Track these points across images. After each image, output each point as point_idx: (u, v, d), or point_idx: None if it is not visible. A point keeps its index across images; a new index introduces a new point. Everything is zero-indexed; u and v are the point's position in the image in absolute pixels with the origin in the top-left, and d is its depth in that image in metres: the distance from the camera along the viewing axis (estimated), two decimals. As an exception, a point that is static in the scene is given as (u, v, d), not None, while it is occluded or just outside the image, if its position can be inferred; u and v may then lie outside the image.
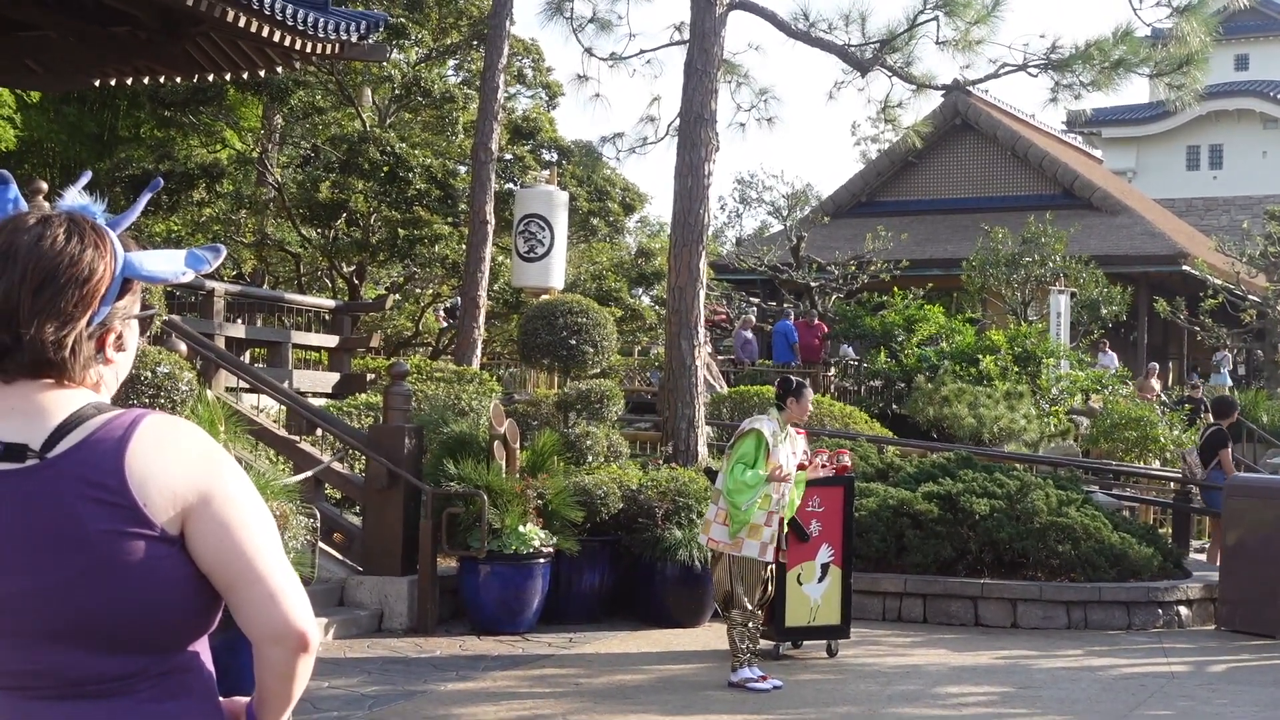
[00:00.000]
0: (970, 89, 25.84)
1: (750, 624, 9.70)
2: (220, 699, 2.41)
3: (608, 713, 8.62)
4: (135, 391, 8.34)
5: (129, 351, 2.40)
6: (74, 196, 2.36)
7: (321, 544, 11.21)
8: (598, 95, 26.34)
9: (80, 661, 2.19)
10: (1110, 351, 31.09)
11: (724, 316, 35.04)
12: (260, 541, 2.28)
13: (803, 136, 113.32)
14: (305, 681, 2.37)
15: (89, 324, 2.27)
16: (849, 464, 11.03)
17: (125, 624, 2.20)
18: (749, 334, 29.10)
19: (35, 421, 2.22)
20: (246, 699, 2.45)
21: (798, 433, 10.21)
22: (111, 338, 2.33)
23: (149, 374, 8.31)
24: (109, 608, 2.18)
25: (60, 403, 2.25)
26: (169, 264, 2.39)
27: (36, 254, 2.23)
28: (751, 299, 36.40)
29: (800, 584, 10.55)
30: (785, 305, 33.05)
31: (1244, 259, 34.41)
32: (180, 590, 2.23)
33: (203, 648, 2.36)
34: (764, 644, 10.71)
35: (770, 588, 10.04)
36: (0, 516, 2.17)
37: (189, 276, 2.45)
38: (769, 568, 9.97)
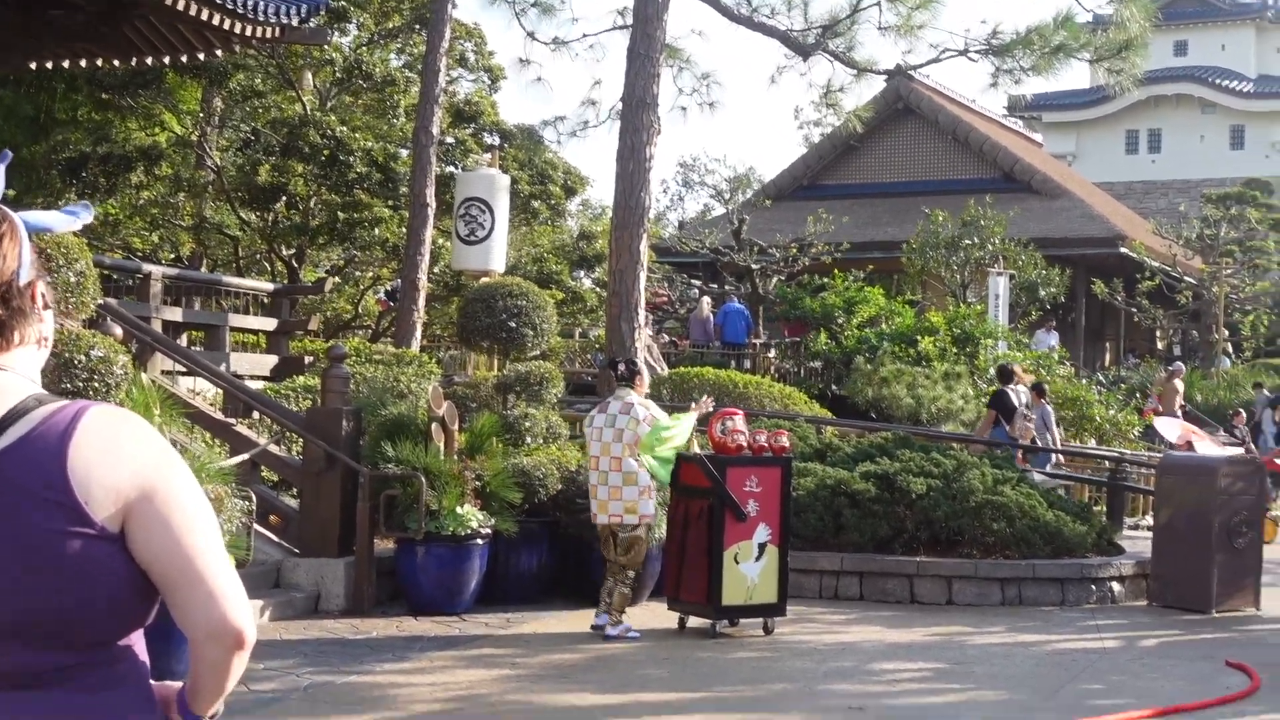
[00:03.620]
0: (912, 74, 25.98)
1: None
2: (152, 683, 2.43)
3: (545, 692, 8.66)
4: (69, 375, 8.29)
5: (51, 310, 2.43)
6: None
7: (258, 526, 11.17)
8: (539, 79, 26.31)
9: (17, 656, 2.19)
10: (1054, 331, 31.33)
11: (665, 299, 35.12)
12: (201, 540, 2.28)
13: (746, 120, 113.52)
14: (239, 675, 2.39)
15: (19, 279, 2.31)
16: (786, 444, 11.12)
17: (65, 621, 2.20)
18: (709, 314, 29.34)
19: None
20: (178, 684, 2.46)
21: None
22: (39, 294, 2.37)
23: (83, 357, 8.26)
24: (49, 606, 2.18)
25: (1, 394, 2.26)
26: (48, 217, 2.45)
27: None
28: (693, 281, 36.49)
29: (737, 563, 10.61)
30: (728, 288, 33.14)
31: (1181, 241, 34.83)
32: (120, 587, 2.24)
33: (137, 639, 2.37)
34: (700, 622, 10.81)
35: None
36: None
37: (73, 225, 2.50)
38: None
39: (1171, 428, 18.53)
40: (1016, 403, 17.14)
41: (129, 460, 2.24)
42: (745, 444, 10.87)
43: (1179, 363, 25.71)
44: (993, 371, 22.58)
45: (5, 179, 2.42)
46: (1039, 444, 17.39)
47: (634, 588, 10.93)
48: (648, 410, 10.67)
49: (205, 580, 2.27)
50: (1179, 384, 23.88)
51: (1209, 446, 18.06)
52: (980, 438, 17.18)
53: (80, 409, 2.26)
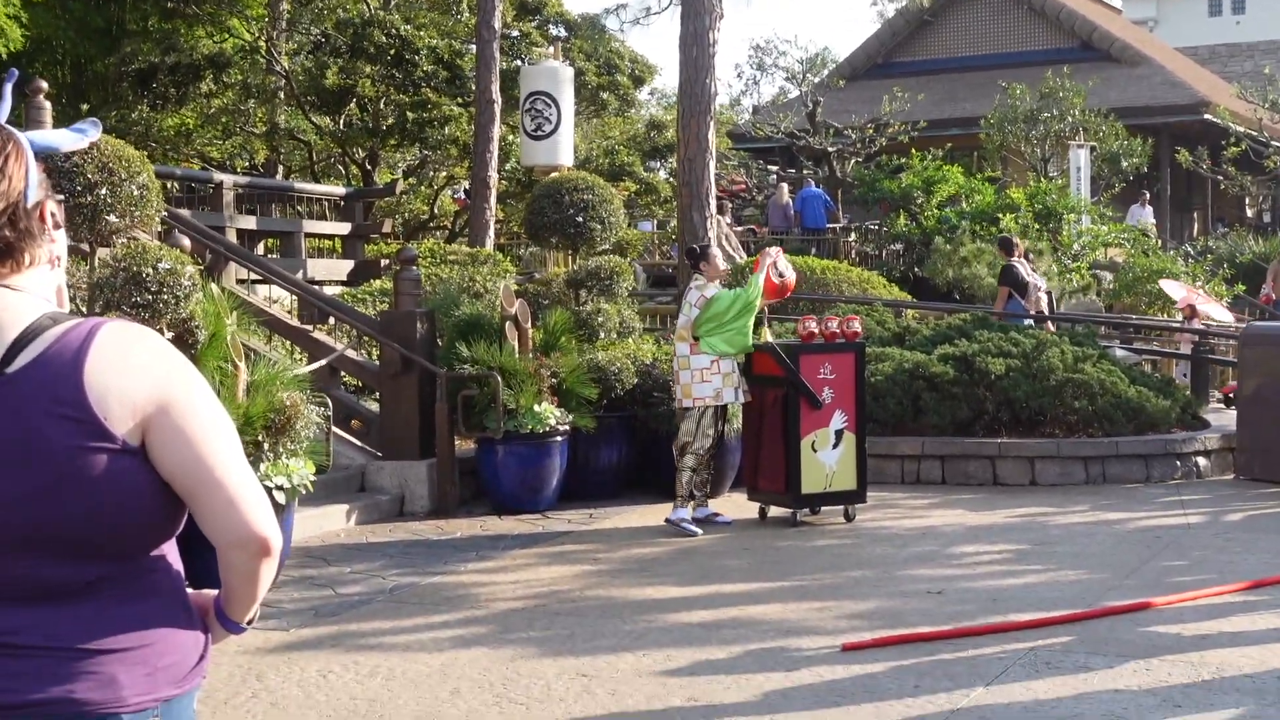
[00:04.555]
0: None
1: (701, 469, 10.74)
2: (189, 591, 2.46)
3: (625, 586, 8.71)
4: (140, 288, 8.35)
5: (63, 229, 2.44)
6: None
7: (340, 431, 11.29)
8: (601, -34, 25.82)
9: (49, 569, 2.23)
10: (1148, 206, 30.72)
11: (742, 186, 34.85)
12: (219, 449, 2.30)
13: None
14: (269, 581, 2.43)
15: (26, 200, 2.30)
16: (859, 329, 11.04)
17: (92, 534, 2.23)
18: (788, 200, 29.12)
19: None
20: (214, 592, 2.49)
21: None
22: (48, 214, 2.36)
23: (150, 270, 8.31)
24: (75, 519, 2.21)
25: (15, 314, 2.26)
26: (55, 136, 2.44)
27: None
28: (770, 167, 36.18)
29: (815, 451, 10.59)
30: (805, 172, 32.83)
31: (1267, 105, 33.95)
32: (144, 499, 2.27)
33: (170, 549, 2.39)
34: (781, 511, 10.82)
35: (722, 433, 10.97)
36: None
37: (81, 143, 2.48)
38: (723, 413, 10.84)
39: (1176, 290, 18.88)
40: (1026, 275, 17.00)
41: (144, 374, 2.25)
42: (815, 330, 10.82)
43: None
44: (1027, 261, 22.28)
45: (12, 97, 2.41)
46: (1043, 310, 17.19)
47: (707, 476, 10.90)
48: (700, 293, 10.65)
49: (225, 489, 2.29)
50: None
51: (1216, 309, 18.20)
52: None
53: (94, 325, 2.27)
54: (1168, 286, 19.95)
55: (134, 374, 2.24)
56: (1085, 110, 29.62)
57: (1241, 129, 33.26)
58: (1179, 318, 18.66)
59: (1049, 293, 17.97)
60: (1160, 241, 28.82)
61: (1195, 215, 40.20)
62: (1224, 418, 14.56)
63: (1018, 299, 16.67)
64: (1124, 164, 29.64)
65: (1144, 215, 29.65)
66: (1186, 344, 17.89)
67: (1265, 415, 12.60)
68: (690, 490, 10.66)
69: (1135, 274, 22.47)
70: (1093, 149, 29.02)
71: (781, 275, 10.83)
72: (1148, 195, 31.00)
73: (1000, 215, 24.30)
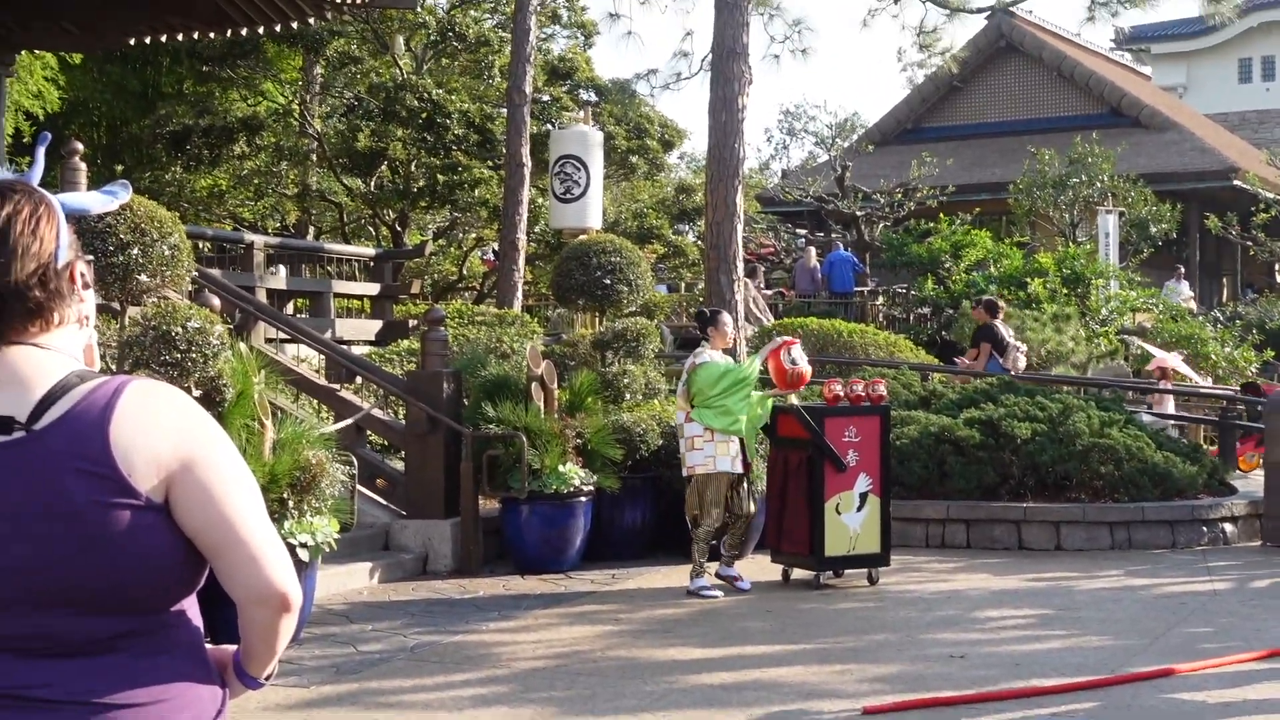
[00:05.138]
0: (1009, 11, 25.57)
1: (709, 540, 10.58)
2: (208, 647, 2.49)
3: (647, 646, 8.70)
4: (169, 346, 8.43)
5: (91, 289, 2.48)
6: None
7: (365, 490, 11.33)
8: (630, 33, 26.22)
9: (72, 625, 2.26)
10: (1184, 280, 30.62)
11: (771, 250, 34.94)
12: (242, 506, 2.34)
13: (847, 66, 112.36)
14: (288, 637, 2.46)
15: (57, 261, 2.34)
16: (884, 393, 11.05)
17: (115, 590, 2.26)
18: (816, 263, 29.16)
19: (20, 393, 2.27)
20: (233, 648, 2.52)
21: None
22: (78, 274, 2.41)
23: (179, 330, 8.40)
24: (99, 575, 2.24)
25: (44, 372, 2.30)
26: (86, 199, 2.49)
27: None
28: (798, 231, 36.28)
29: (839, 514, 10.58)
30: (834, 236, 32.90)
31: (1296, 171, 33.96)
32: (167, 555, 2.30)
33: (190, 604, 2.43)
34: (805, 574, 10.80)
35: (742, 503, 10.72)
36: None
37: (111, 205, 2.53)
38: (738, 484, 10.66)
39: (1158, 351, 19.21)
40: (1006, 335, 17.10)
41: (169, 431, 2.29)
42: (841, 393, 10.84)
43: None
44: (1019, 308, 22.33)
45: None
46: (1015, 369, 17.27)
47: (739, 539, 10.86)
48: (693, 360, 10.64)
49: (247, 545, 2.33)
50: None
51: (1193, 374, 18.40)
52: (978, 371, 17.12)
53: (121, 384, 2.31)
54: (1150, 347, 20.22)
55: (158, 431, 2.28)
56: (1114, 176, 29.65)
57: (1271, 195, 33.24)
58: (1154, 378, 19.06)
59: (1027, 354, 18.23)
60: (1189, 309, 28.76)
61: (1224, 281, 40.11)
62: (1251, 483, 14.49)
63: (996, 358, 16.80)
64: (1153, 230, 29.62)
65: (1180, 288, 29.58)
66: (1159, 404, 18.47)
67: (1293, 481, 12.53)
68: (703, 564, 10.54)
69: (1164, 339, 22.43)
70: (1121, 214, 29.01)
71: (794, 363, 10.74)
72: (1182, 270, 30.92)
73: (1028, 280, 24.28)
